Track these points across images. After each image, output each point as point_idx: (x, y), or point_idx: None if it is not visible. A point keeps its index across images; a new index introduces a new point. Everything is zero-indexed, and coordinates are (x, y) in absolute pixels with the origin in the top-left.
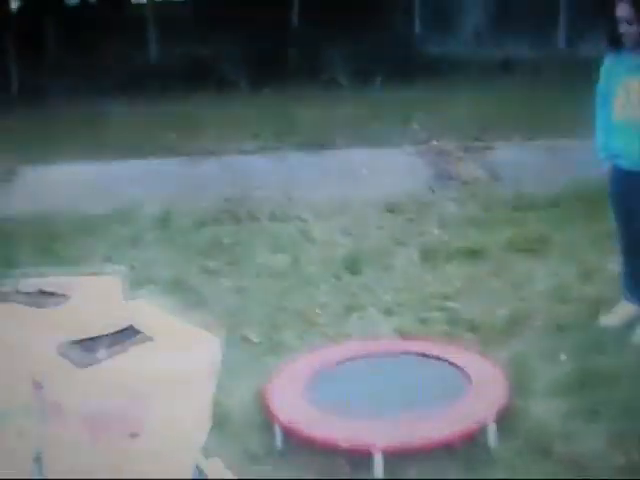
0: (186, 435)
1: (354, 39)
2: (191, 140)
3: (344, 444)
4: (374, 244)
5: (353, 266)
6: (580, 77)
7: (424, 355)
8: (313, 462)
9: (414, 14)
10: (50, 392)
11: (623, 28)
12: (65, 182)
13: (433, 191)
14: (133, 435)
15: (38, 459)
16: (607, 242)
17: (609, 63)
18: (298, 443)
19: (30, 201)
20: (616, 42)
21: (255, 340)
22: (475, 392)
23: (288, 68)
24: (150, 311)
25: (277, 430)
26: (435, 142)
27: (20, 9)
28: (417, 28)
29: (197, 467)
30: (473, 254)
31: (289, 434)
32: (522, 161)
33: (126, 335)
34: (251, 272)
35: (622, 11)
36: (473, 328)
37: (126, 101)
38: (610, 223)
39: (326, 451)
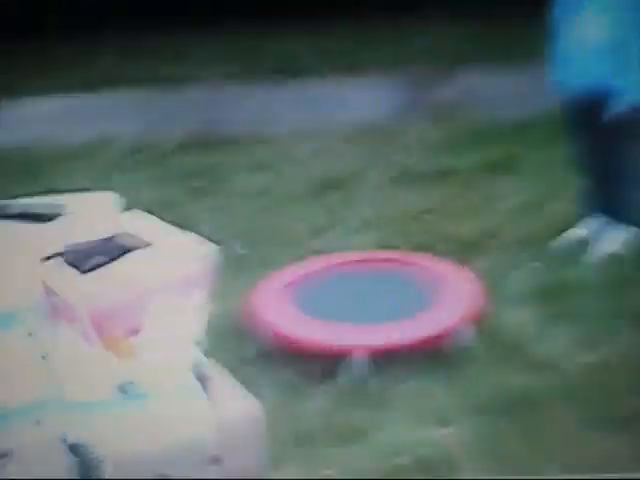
0: (185, 331)
1: None
2: (168, 67)
3: (327, 345)
4: (351, 165)
5: (331, 185)
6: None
7: (404, 264)
8: (296, 364)
9: None
10: (57, 294)
11: None
12: (41, 114)
13: (408, 112)
14: (135, 331)
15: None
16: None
17: None
18: (283, 345)
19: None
20: None
21: (241, 252)
22: (452, 297)
23: None
24: (147, 220)
25: (255, 338)
26: (411, 66)
27: None
28: None
29: (196, 363)
30: (445, 174)
31: (274, 337)
32: (496, 84)
33: (125, 240)
34: (234, 191)
35: None
36: (449, 239)
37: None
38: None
39: (309, 353)
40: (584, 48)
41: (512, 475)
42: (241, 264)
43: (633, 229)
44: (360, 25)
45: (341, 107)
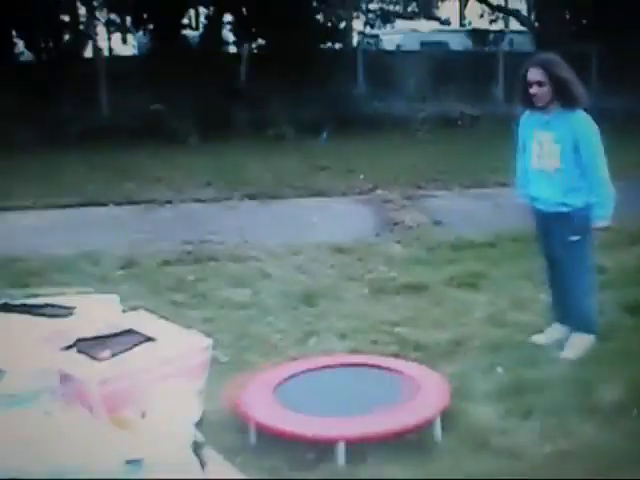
0: (185, 415)
1: (300, 95)
2: (147, 189)
3: (310, 436)
4: (327, 280)
5: (308, 299)
6: (515, 130)
7: (377, 367)
8: (283, 454)
9: (358, 73)
10: (72, 378)
11: (534, 90)
12: (28, 226)
13: (378, 234)
14: (143, 414)
15: None
16: (539, 276)
17: (524, 118)
18: (269, 438)
19: None
20: (528, 101)
21: (223, 360)
22: (422, 395)
23: (236, 122)
24: (149, 318)
25: (251, 428)
26: (379, 191)
27: None
28: (361, 86)
29: (195, 442)
30: (417, 288)
31: (261, 430)
32: (460, 208)
33: (131, 336)
34: (215, 304)
35: (534, 75)
36: (419, 348)
37: (81, 152)
38: (540, 259)
39: (294, 444)
40: (540, 173)
41: None
42: (224, 370)
43: (587, 337)
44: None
45: (313, 229)
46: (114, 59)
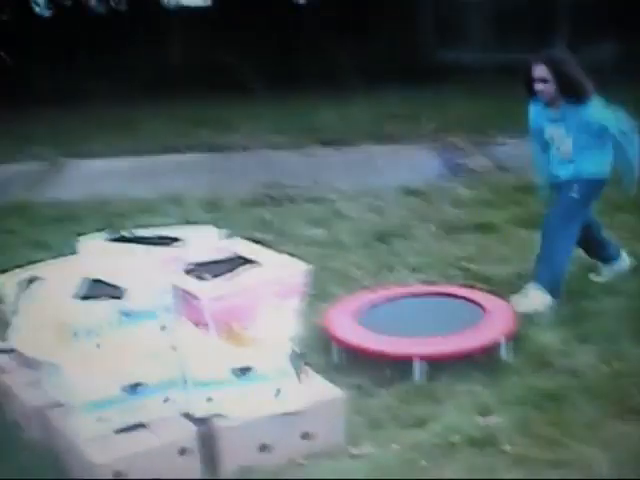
0: (285, 329)
1: (366, 43)
2: (222, 136)
3: (389, 353)
4: (398, 220)
5: (382, 237)
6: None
7: (449, 295)
8: (363, 372)
9: (425, 21)
10: (186, 296)
11: (539, 87)
12: (111, 172)
13: (446, 177)
14: (246, 327)
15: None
16: None
17: (535, 107)
18: (351, 358)
19: (82, 188)
20: (534, 95)
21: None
22: (490, 319)
23: (304, 72)
24: (248, 245)
25: (334, 348)
26: (447, 138)
27: (52, 18)
28: (429, 34)
29: (294, 352)
30: (484, 227)
31: (344, 350)
32: (523, 153)
33: (235, 260)
34: (294, 242)
35: (538, 72)
36: (486, 280)
37: (155, 102)
38: None
39: (373, 363)
40: (556, 158)
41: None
42: (308, 300)
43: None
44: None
45: (384, 173)
46: (184, 9)
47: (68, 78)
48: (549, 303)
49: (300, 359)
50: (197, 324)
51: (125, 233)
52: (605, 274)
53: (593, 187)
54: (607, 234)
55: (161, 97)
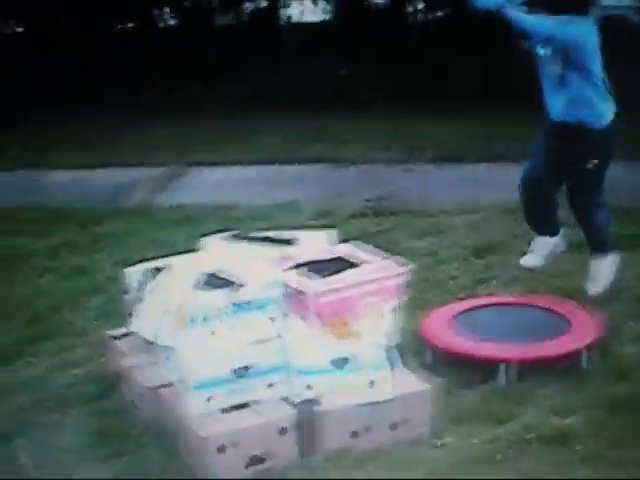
0: (382, 326)
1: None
2: (334, 150)
3: (476, 356)
4: (496, 237)
5: (478, 252)
6: None
7: (538, 306)
8: (453, 373)
9: None
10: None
11: None
12: (229, 181)
13: None
14: (348, 322)
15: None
16: None
17: None
18: (442, 360)
19: (202, 194)
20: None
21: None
22: (574, 330)
23: (416, 88)
24: (355, 249)
25: (428, 350)
26: None
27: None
28: None
29: (389, 347)
30: (577, 245)
31: (436, 352)
32: (623, 177)
33: (341, 261)
34: (396, 253)
35: None
36: (575, 296)
37: (271, 115)
38: None
39: (462, 366)
40: (547, 78)
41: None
42: (406, 305)
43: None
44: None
45: (484, 191)
46: (301, 25)
47: (192, 90)
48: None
49: (395, 354)
50: (303, 317)
51: (242, 234)
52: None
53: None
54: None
55: (280, 111)
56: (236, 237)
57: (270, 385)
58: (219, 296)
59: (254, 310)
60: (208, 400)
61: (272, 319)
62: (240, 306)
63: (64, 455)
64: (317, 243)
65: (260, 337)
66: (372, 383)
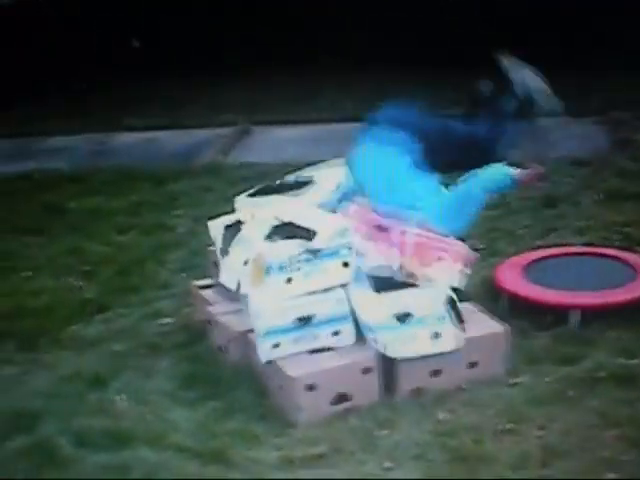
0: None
1: None
2: None
3: (549, 302)
4: (565, 187)
5: (549, 202)
6: None
7: (608, 256)
8: (527, 318)
9: None
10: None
11: None
12: (295, 139)
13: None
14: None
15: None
16: None
17: None
18: (517, 306)
19: (269, 153)
20: None
21: (479, 247)
22: None
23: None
24: None
25: (503, 296)
26: (614, 113)
27: None
28: None
29: (451, 298)
30: None
31: (511, 299)
32: None
33: None
34: None
35: None
36: None
37: (334, 73)
38: None
39: (536, 311)
40: None
41: None
42: (481, 254)
43: None
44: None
45: (554, 145)
46: None
47: (256, 49)
48: None
49: (456, 305)
50: (384, 253)
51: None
52: None
53: None
54: None
55: (345, 69)
56: (264, 190)
57: (335, 333)
58: (293, 245)
59: (328, 257)
60: (275, 347)
61: (346, 264)
62: (314, 253)
63: (157, 397)
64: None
65: (334, 283)
66: (436, 334)
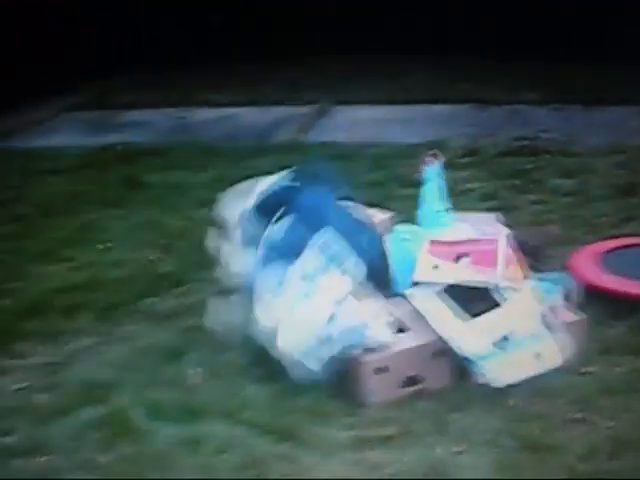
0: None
1: None
2: (480, 90)
3: (625, 292)
4: None
5: (628, 190)
6: None
7: None
8: (602, 307)
9: None
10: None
11: None
12: (375, 119)
13: None
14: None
15: None
16: None
17: None
18: (592, 295)
19: (347, 132)
20: None
21: (555, 234)
22: None
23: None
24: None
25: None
26: None
27: None
28: None
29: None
30: None
31: (587, 288)
32: None
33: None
34: (546, 191)
35: None
36: None
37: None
38: None
39: (611, 300)
40: None
41: None
42: (555, 242)
43: None
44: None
45: (635, 132)
46: None
47: (336, 28)
48: None
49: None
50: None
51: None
52: None
53: None
54: None
55: (426, 51)
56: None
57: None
58: None
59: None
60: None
61: None
62: None
63: (230, 372)
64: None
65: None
66: (538, 355)
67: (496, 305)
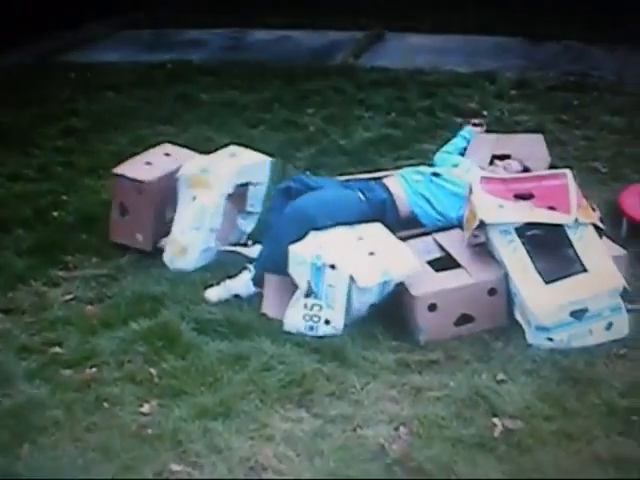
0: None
1: None
2: (537, 25)
3: None
4: None
5: None
6: None
7: None
8: None
9: None
10: None
11: None
12: (430, 47)
13: None
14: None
15: None
16: None
17: None
18: (638, 231)
19: (401, 58)
20: None
21: (603, 171)
22: None
23: None
24: None
25: (624, 222)
26: None
27: None
28: None
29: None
30: None
31: (632, 224)
32: None
33: None
34: (595, 127)
35: None
36: None
37: None
38: None
39: None
40: None
41: None
42: (603, 178)
43: None
44: None
45: None
46: None
47: None
48: None
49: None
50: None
51: None
52: None
53: None
54: None
55: None
56: None
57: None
58: None
59: None
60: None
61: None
62: None
63: None
64: None
65: None
66: (610, 325)
67: (571, 246)
